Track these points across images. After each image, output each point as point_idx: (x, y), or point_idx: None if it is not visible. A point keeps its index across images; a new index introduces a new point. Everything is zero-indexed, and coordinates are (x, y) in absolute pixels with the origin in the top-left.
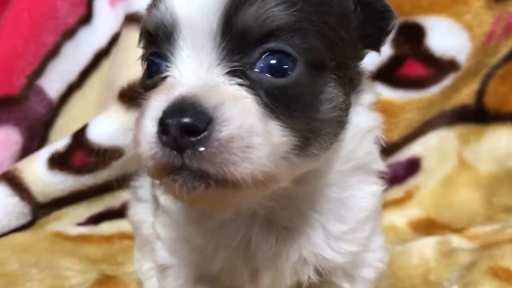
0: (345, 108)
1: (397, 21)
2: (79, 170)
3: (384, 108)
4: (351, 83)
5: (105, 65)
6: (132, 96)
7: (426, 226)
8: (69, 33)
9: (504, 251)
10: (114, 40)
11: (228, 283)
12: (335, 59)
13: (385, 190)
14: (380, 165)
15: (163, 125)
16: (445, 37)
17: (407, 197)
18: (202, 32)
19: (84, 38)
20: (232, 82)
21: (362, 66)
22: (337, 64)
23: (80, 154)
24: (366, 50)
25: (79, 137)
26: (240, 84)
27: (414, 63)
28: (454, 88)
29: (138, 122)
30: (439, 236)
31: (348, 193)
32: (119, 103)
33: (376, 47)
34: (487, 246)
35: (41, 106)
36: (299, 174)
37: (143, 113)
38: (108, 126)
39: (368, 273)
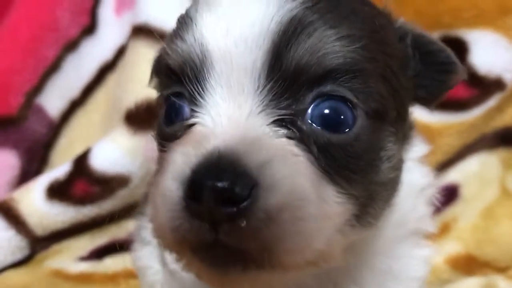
0: (401, 167)
1: (436, 34)
2: (80, 201)
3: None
4: (404, 138)
5: (111, 80)
6: (140, 119)
7: (466, 264)
8: (71, 46)
9: None
10: (121, 52)
11: None
12: (396, 109)
13: None
14: (431, 227)
15: (193, 189)
16: (491, 53)
17: (444, 230)
18: (241, 70)
19: (87, 50)
20: (280, 134)
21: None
22: (397, 115)
23: (81, 183)
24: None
25: (81, 164)
26: (289, 137)
27: None
28: (497, 109)
29: (156, 182)
30: (482, 278)
31: (398, 263)
32: (125, 126)
33: (429, 103)
34: None
35: (41, 126)
36: None
37: (163, 170)
38: (112, 152)
39: None
